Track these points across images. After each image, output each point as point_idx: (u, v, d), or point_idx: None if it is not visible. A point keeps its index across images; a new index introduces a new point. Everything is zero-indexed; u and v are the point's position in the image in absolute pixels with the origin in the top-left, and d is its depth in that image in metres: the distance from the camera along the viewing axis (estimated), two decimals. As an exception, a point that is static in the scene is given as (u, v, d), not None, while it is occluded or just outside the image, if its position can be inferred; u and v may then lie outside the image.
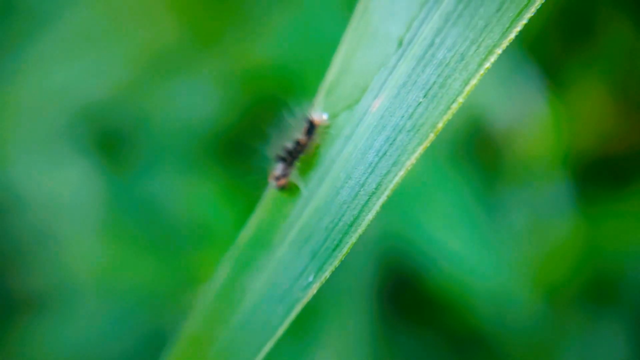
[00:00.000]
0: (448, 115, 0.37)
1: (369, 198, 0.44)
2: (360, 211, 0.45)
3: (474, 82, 0.38)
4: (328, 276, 0.45)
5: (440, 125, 0.38)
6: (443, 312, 1.10)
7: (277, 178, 0.52)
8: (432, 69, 0.41)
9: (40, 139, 1.18)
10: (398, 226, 1.06)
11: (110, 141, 1.19)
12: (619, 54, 1.11)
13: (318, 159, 0.50)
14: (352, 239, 0.45)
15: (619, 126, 1.10)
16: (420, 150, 0.39)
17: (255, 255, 0.53)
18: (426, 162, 1.05)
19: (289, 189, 0.51)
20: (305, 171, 0.51)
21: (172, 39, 1.20)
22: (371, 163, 0.45)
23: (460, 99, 0.37)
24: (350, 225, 0.45)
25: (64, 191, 1.16)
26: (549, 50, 1.12)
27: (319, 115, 0.52)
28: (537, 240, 1.06)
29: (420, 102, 0.41)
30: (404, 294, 1.12)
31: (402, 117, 0.42)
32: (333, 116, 0.50)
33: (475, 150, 1.08)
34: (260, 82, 1.17)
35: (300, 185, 0.50)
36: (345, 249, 0.45)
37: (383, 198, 0.43)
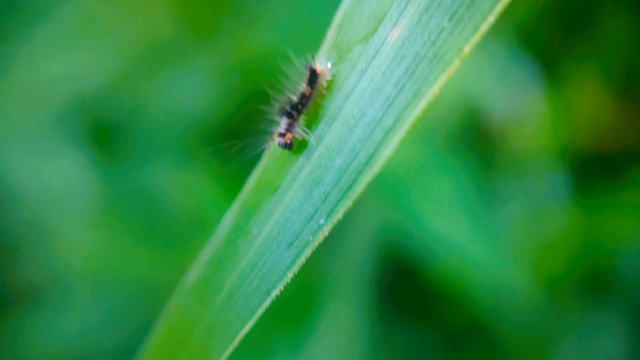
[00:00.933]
0: (476, 37, 0.34)
1: (386, 134, 0.41)
2: (376, 148, 0.42)
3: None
4: (341, 217, 0.42)
5: (467, 49, 0.34)
6: (441, 303, 1.10)
7: (282, 134, 0.49)
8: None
9: (33, 130, 1.16)
10: (396, 217, 1.04)
11: (105, 132, 1.17)
12: (616, 48, 1.10)
13: (322, 111, 0.47)
14: (367, 178, 0.42)
15: (615, 119, 1.10)
16: (443, 78, 0.36)
17: (263, 200, 0.50)
18: (424, 153, 1.03)
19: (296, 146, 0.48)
20: (310, 124, 0.48)
21: (167, 30, 1.17)
22: (389, 97, 0.41)
23: (492, 18, 0.33)
24: (365, 164, 0.42)
25: (58, 182, 1.14)
26: (546, 44, 1.11)
27: (322, 64, 0.48)
28: (535, 232, 1.05)
29: (444, 27, 0.37)
30: (402, 286, 1.11)
31: (424, 45, 0.39)
32: (346, 50, 0.46)
33: (473, 142, 1.08)
34: (257, 73, 1.15)
35: (308, 137, 0.47)
36: (359, 189, 0.42)
37: (401, 133, 0.40)
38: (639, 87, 1.10)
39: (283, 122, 0.49)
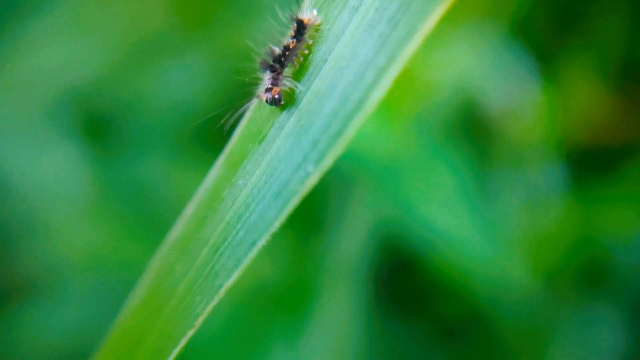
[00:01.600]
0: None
1: (378, 75, 0.39)
2: (368, 90, 0.39)
3: None
4: (331, 164, 0.40)
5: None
6: (438, 295, 1.10)
7: (268, 89, 0.46)
8: None
9: (26, 123, 1.15)
10: (393, 208, 1.03)
11: (98, 125, 1.16)
12: (612, 41, 1.09)
13: (309, 65, 0.44)
14: (358, 122, 0.39)
15: (611, 112, 1.10)
16: (439, 11, 0.33)
17: (250, 151, 0.47)
18: (421, 144, 1.02)
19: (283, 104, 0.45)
20: (298, 75, 0.45)
21: (161, 21, 1.15)
22: (381, 34, 0.39)
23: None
24: (356, 108, 0.40)
25: (52, 175, 1.13)
26: (542, 36, 1.11)
27: (308, 14, 0.45)
28: (531, 224, 1.05)
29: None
30: (399, 277, 1.10)
31: (419, -24, 0.36)
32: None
33: (468, 134, 1.06)
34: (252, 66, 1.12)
35: (297, 87, 0.44)
36: (349, 134, 0.40)
37: (393, 73, 0.38)
38: (635, 81, 1.10)
39: (267, 77, 0.47)
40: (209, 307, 0.39)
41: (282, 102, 0.45)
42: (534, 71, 1.07)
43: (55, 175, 1.13)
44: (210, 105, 1.13)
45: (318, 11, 0.46)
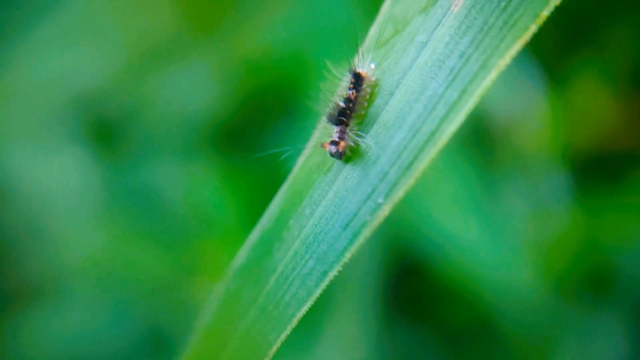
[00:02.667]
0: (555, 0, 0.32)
1: (450, 108, 0.39)
2: (440, 123, 0.40)
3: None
4: (402, 196, 0.41)
5: (545, 12, 0.32)
6: (447, 301, 1.10)
7: (335, 142, 0.45)
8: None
9: (34, 128, 1.16)
10: (404, 215, 1.03)
11: (106, 130, 1.17)
12: (618, 52, 1.10)
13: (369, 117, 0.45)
14: (430, 154, 0.40)
15: (617, 121, 1.10)
16: (517, 46, 0.34)
17: (314, 181, 0.48)
18: None
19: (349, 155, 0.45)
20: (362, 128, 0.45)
21: (169, 26, 1.16)
22: (452, 69, 0.40)
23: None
24: (427, 141, 0.40)
25: (59, 180, 1.14)
26: (549, 46, 1.11)
27: (365, 66, 0.46)
28: (537, 231, 1.05)
29: (516, -7, 0.36)
30: (408, 283, 1.10)
31: (493, 12, 0.37)
32: (404, 23, 0.44)
33: (476, 142, 1.06)
34: (261, 71, 1.13)
35: (364, 142, 0.44)
36: (421, 166, 0.40)
37: (468, 107, 0.38)
38: (639, 90, 1.10)
39: (335, 130, 0.46)
40: (283, 336, 0.39)
41: (343, 157, 0.45)
42: (540, 80, 1.08)
43: (62, 180, 1.13)
44: (218, 110, 1.14)
45: (381, 48, 0.47)
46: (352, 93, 0.47)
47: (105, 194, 1.13)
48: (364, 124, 0.45)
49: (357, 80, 0.46)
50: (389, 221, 1.03)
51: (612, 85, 1.09)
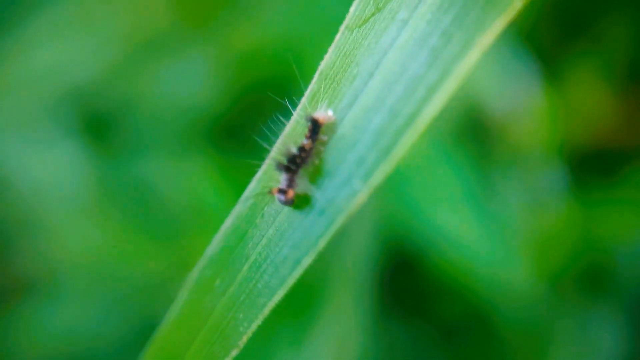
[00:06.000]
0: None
1: (431, 90, 0.38)
2: (420, 106, 0.38)
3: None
4: (380, 183, 0.39)
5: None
6: (442, 296, 1.09)
7: (282, 191, 0.43)
8: None
9: (27, 121, 1.14)
10: (399, 209, 1.02)
11: (100, 124, 1.15)
12: (615, 46, 1.10)
13: (324, 167, 0.42)
14: (410, 139, 0.38)
15: (613, 116, 1.09)
16: (500, 24, 0.32)
17: (291, 165, 0.46)
18: (425, 144, 1.02)
19: (297, 202, 0.43)
20: (314, 177, 0.43)
21: (163, 20, 1.15)
22: (434, 48, 0.38)
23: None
24: (407, 124, 0.39)
25: (52, 174, 1.12)
26: (545, 40, 1.10)
27: (323, 113, 0.43)
28: (534, 226, 1.05)
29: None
30: (403, 278, 1.10)
31: (476, -11, 0.35)
32: (385, 1, 0.43)
33: (471, 136, 1.06)
34: (255, 65, 1.12)
35: (312, 193, 0.42)
36: (400, 151, 0.39)
37: (449, 89, 0.37)
38: (636, 85, 1.10)
39: (283, 177, 0.44)
40: (253, 326, 0.38)
41: (293, 204, 0.43)
42: (537, 75, 1.07)
43: (55, 174, 1.12)
44: (212, 104, 1.12)
45: (362, 30, 0.45)
46: (308, 143, 0.44)
47: (99, 189, 1.12)
48: (319, 176, 0.43)
49: (314, 127, 0.43)
50: (383, 216, 1.02)
51: (610, 79, 1.09)
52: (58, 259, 1.10)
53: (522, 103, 1.07)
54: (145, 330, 1.08)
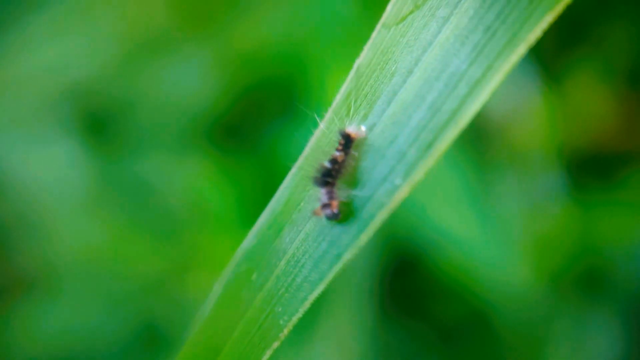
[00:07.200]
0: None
1: (474, 86, 0.38)
2: (462, 102, 0.38)
3: None
4: (422, 178, 0.39)
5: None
6: (442, 296, 1.09)
7: (325, 206, 0.43)
8: None
9: (26, 119, 1.14)
10: (399, 209, 1.02)
11: (99, 122, 1.15)
12: (614, 50, 1.10)
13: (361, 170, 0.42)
14: (451, 135, 0.38)
15: (612, 119, 1.10)
16: (548, 19, 0.32)
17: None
18: None
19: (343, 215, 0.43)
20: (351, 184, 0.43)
21: (163, 19, 1.14)
22: (477, 45, 0.38)
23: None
24: (449, 120, 0.39)
25: (51, 172, 1.12)
26: (545, 44, 1.09)
27: (355, 128, 0.44)
28: (533, 228, 1.05)
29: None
30: (405, 279, 1.09)
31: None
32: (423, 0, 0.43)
33: (472, 139, 1.06)
34: (256, 65, 1.12)
35: (353, 198, 0.42)
36: (442, 147, 0.39)
37: (493, 85, 0.37)
38: (635, 89, 1.09)
39: (322, 193, 0.44)
40: (294, 319, 0.38)
41: (340, 216, 0.43)
42: (537, 78, 1.07)
43: (54, 172, 1.11)
44: (212, 104, 1.12)
45: (400, 28, 0.45)
46: (340, 155, 0.44)
47: (98, 187, 1.12)
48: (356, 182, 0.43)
49: (347, 141, 0.44)
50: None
51: (609, 83, 1.09)
52: (57, 257, 1.10)
53: (522, 106, 1.07)
54: (143, 329, 1.08)
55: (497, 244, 1.01)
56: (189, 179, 1.10)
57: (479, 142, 1.07)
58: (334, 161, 0.44)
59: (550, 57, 1.10)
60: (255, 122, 1.13)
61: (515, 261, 1.02)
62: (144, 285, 1.09)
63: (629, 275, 1.04)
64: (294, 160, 0.48)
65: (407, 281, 1.10)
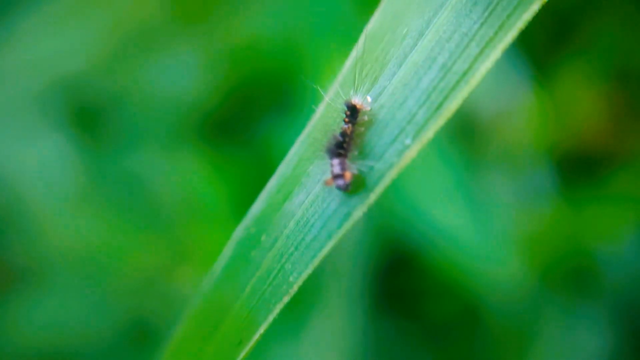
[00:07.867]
0: None
1: (485, 46, 0.38)
2: (473, 62, 0.38)
3: None
4: (431, 137, 0.39)
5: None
6: (434, 293, 1.09)
7: (337, 176, 0.43)
8: None
9: (15, 112, 1.13)
10: (392, 204, 1.02)
11: (89, 116, 1.14)
12: (605, 49, 1.11)
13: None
14: (462, 94, 0.39)
15: (601, 118, 1.11)
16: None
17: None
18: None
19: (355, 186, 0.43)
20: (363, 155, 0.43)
21: (155, 13, 1.14)
22: (490, 3, 0.38)
23: None
24: (459, 80, 0.39)
25: (40, 166, 1.11)
26: (536, 43, 1.10)
27: (360, 98, 0.44)
28: (523, 224, 1.06)
29: None
30: (397, 275, 1.10)
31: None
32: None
33: (464, 136, 1.06)
34: (249, 60, 1.12)
35: (366, 169, 0.42)
36: (452, 106, 0.39)
37: (504, 44, 0.37)
38: (625, 88, 1.10)
39: (335, 164, 0.44)
40: (304, 275, 0.38)
41: (351, 188, 0.43)
42: (528, 76, 1.08)
43: (44, 166, 1.10)
44: (204, 99, 1.12)
45: None
46: (348, 127, 0.45)
47: (88, 181, 1.11)
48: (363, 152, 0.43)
49: (353, 112, 0.45)
50: (377, 213, 1.03)
51: (598, 81, 1.10)
52: (46, 252, 1.10)
53: (513, 103, 1.08)
54: (133, 323, 1.08)
55: (488, 240, 1.02)
56: (180, 174, 1.10)
57: (471, 140, 1.08)
58: (343, 134, 0.45)
59: (541, 55, 1.11)
60: (248, 117, 1.13)
61: (506, 257, 1.03)
62: (134, 279, 1.09)
63: (617, 272, 1.05)
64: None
65: (399, 278, 1.10)
